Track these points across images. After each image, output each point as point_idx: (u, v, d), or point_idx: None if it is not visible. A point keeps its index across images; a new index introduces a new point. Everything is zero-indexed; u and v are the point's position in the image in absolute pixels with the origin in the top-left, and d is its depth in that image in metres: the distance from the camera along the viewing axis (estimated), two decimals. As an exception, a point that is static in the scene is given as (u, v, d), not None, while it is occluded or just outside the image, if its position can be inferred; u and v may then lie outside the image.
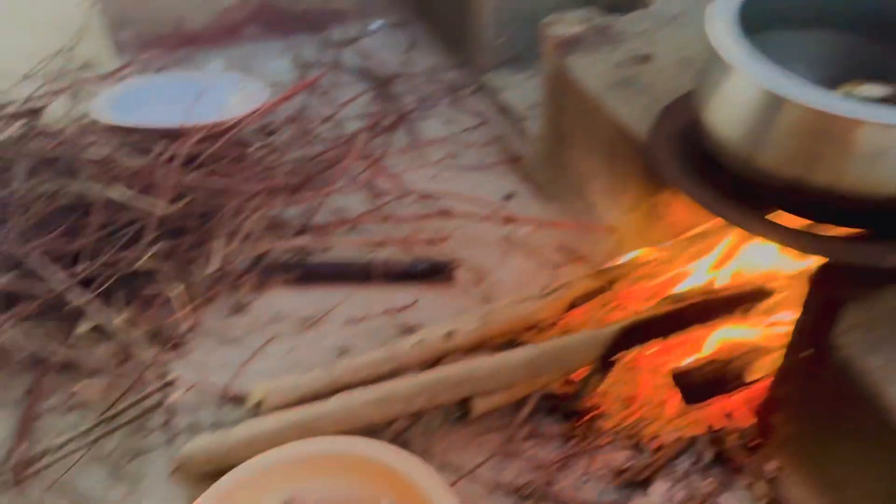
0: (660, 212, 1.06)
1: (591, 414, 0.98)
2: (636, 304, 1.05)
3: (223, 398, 1.04)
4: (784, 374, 0.88)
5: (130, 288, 1.13)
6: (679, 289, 1.01)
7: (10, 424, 1.02)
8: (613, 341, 0.94)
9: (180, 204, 1.13)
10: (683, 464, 0.94)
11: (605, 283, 1.03)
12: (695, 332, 0.97)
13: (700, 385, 0.94)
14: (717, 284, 0.99)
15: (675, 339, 0.97)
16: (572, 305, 1.03)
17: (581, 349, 0.95)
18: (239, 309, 1.18)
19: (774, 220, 0.81)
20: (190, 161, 1.20)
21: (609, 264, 1.05)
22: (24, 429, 1.01)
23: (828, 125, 0.73)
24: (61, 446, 0.97)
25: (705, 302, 0.96)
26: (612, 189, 1.16)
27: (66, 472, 0.96)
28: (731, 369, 0.94)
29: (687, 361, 0.97)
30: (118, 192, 1.11)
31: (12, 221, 1.12)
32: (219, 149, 1.23)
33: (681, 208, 1.04)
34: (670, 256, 1.03)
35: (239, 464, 0.87)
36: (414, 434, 1.00)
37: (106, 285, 1.09)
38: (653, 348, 0.98)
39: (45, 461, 0.96)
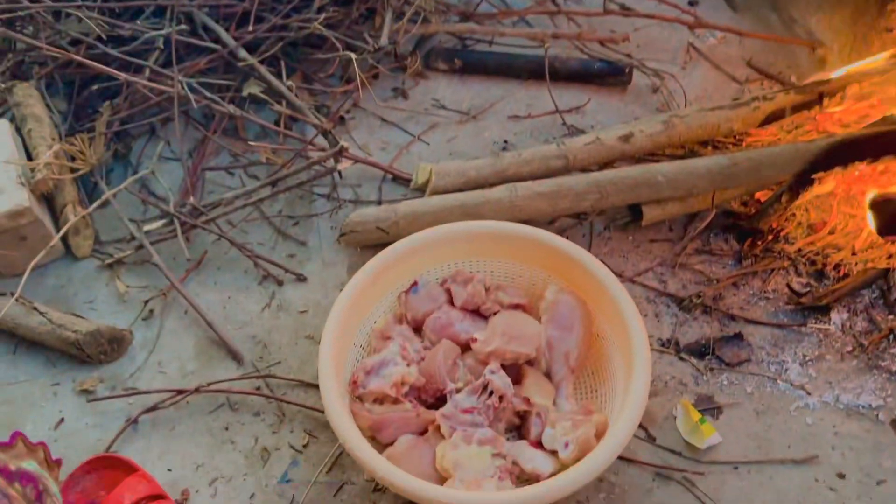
0: (885, 24, 0.93)
1: (771, 236, 0.92)
2: (837, 127, 0.95)
3: (386, 176, 1.03)
4: None
5: (297, 55, 1.11)
6: (900, 110, 0.90)
7: (178, 176, 1.03)
8: (818, 157, 0.86)
9: (351, -29, 1.07)
10: (868, 296, 0.88)
11: (812, 98, 0.93)
12: (908, 159, 0.88)
13: (902, 217, 0.86)
14: (951, 108, 0.88)
15: (882, 165, 0.88)
16: (768, 120, 0.95)
17: (780, 163, 0.87)
18: (401, 92, 1.14)
19: None
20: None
21: (817, 78, 0.95)
22: (193, 181, 1.03)
23: None
24: (229, 202, 0.98)
25: (931, 126, 0.86)
26: (827, -2, 1.03)
27: (233, 228, 0.98)
28: (945, 204, 0.85)
29: (890, 190, 0.88)
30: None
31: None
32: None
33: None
34: (891, 74, 0.91)
35: (402, 237, 0.86)
36: (575, 234, 0.97)
37: (272, 51, 1.07)
38: (856, 171, 0.89)
39: (213, 214, 0.97)
